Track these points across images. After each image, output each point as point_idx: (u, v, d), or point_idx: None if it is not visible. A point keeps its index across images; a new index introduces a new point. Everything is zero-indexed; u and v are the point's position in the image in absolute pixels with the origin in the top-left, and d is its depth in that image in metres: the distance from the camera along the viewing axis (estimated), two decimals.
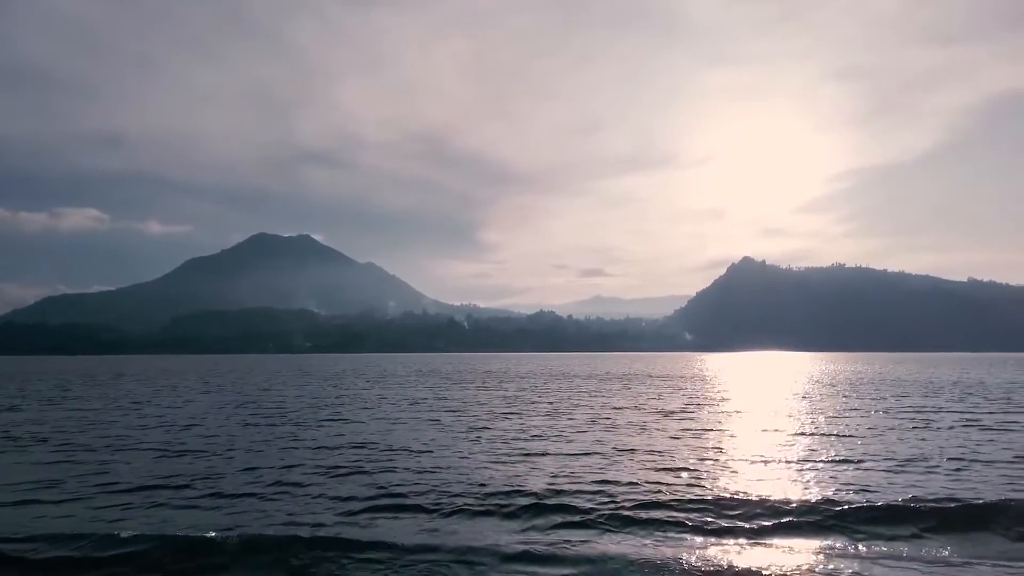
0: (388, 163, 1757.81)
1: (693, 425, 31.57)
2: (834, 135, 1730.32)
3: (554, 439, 26.85)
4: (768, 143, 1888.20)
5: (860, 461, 22.11)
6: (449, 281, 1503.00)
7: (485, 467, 20.53)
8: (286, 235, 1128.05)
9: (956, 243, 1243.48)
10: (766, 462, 21.75)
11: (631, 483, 18.20)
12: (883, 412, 38.43)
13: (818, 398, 49.98)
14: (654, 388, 62.63)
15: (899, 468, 20.84)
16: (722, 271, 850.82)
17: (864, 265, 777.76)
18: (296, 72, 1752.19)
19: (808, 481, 18.70)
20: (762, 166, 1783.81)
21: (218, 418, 35.25)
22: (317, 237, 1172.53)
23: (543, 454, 23.23)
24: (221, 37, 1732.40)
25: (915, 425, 31.98)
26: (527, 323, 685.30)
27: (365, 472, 19.69)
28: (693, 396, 51.55)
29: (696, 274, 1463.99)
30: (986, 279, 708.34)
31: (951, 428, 30.83)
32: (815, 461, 21.90)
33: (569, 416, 36.13)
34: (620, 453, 23.34)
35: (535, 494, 16.70)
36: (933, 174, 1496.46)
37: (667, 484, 18.10)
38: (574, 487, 17.58)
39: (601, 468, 20.46)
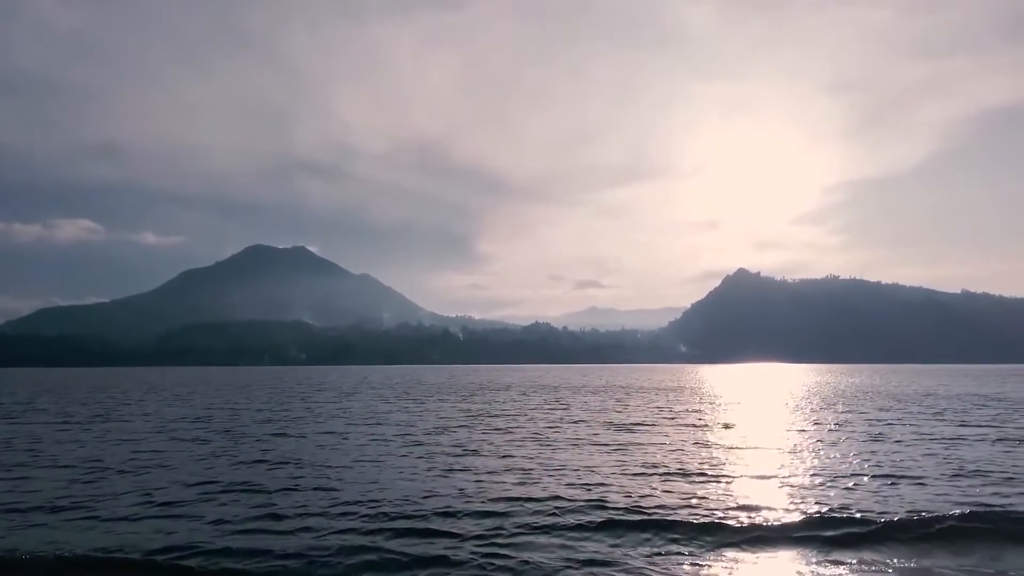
0: (384, 174, 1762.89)
1: (636, 439, 31.19)
2: (827, 147, 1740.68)
3: (483, 455, 26.46)
4: (762, 155, 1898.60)
5: (786, 475, 21.76)
6: (444, 292, 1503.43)
7: (382, 486, 20.11)
8: (281, 246, 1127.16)
9: (949, 255, 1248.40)
10: (686, 475, 21.40)
11: (513, 499, 17.81)
12: (835, 425, 38.07)
13: (782, 410, 49.62)
14: (625, 400, 62.19)
15: (813, 483, 20.49)
16: (717, 282, 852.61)
17: (858, 277, 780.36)
18: (292, 83, 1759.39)
19: (704, 495, 18.33)
20: (756, 178, 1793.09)
21: (159, 434, 34.78)
22: (312, 248, 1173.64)
23: (462, 469, 22.85)
24: (217, 48, 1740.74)
25: (865, 439, 31.63)
26: (522, 335, 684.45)
27: (258, 491, 19.25)
28: (660, 408, 51.17)
29: (691, 285, 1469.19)
30: (979, 291, 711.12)
31: (897, 441, 30.49)
32: (726, 477, 21.52)
33: (512, 431, 35.72)
34: (530, 470, 22.94)
35: (403, 516, 16.28)
36: (926, 186, 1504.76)
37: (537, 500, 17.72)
38: (439, 505, 17.23)
39: (499, 485, 20.06)
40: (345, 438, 32.40)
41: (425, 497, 18.34)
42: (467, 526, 15.34)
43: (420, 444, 30.00)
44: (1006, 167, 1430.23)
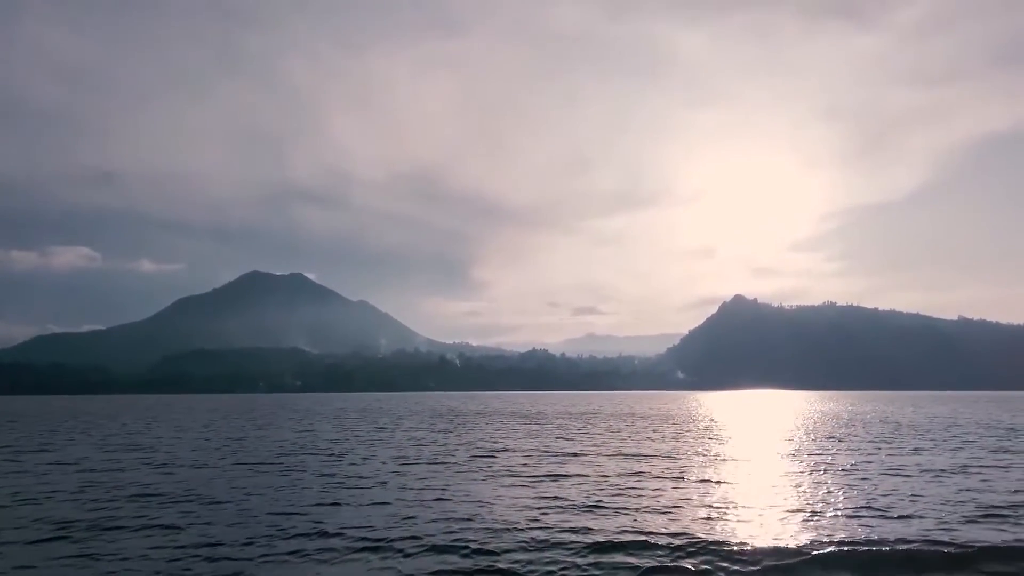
0: (381, 201, 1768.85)
1: (572, 470, 30.98)
2: (822, 174, 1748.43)
3: (398, 488, 26.27)
4: (757, 182, 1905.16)
5: (724, 506, 21.64)
6: (441, 319, 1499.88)
7: (261, 517, 19.95)
8: (279, 273, 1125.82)
9: (946, 282, 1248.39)
10: (593, 507, 21.25)
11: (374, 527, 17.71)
12: (792, 455, 37.88)
13: (749, 438, 49.36)
14: (596, 428, 61.86)
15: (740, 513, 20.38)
16: (714, 309, 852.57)
17: (855, 303, 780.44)
18: (289, 111, 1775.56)
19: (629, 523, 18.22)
20: (752, 204, 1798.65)
21: (86, 464, 34.53)
22: (310, 275, 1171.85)
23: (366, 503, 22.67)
24: (215, 76, 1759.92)
25: (825, 470, 31.45)
26: (519, 361, 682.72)
27: (123, 527, 19.04)
28: (624, 437, 50.86)
29: (688, 312, 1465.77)
30: (976, 317, 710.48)
31: (843, 473, 30.29)
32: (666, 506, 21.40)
33: (458, 457, 35.53)
34: (428, 500, 22.81)
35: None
36: (922, 213, 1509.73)
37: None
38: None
39: (385, 515, 19.98)
40: (271, 468, 32.11)
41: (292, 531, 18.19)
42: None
43: (330, 475, 29.80)
44: (1002, 194, 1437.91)
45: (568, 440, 48.55)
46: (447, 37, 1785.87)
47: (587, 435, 54.11)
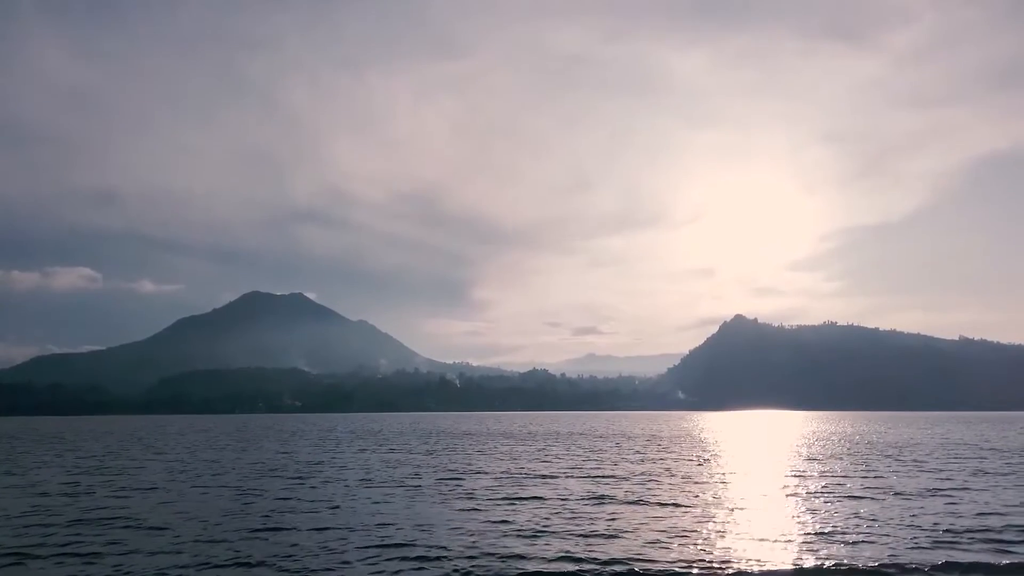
0: (381, 221, 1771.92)
1: (534, 493, 30.47)
2: (822, 194, 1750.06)
3: (347, 513, 25.80)
4: (756, 203, 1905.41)
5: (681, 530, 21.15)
6: (441, 339, 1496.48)
7: (188, 545, 19.50)
8: (279, 293, 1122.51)
9: (946, 302, 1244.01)
10: (536, 532, 20.75)
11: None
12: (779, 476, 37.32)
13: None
14: (579, 449, 61.20)
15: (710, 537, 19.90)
16: (714, 329, 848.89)
17: (855, 323, 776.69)
18: (290, 132, 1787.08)
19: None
20: (751, 225, 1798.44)
21: (44, 487, 34.05)
22: (310, 295, 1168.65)
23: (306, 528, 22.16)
24: (216, 98, 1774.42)
25: (810, 493, 30.90)
26: (519, 382, 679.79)
27: (40, 556, 18.60)
28: (603, 459, 50.22)
29: (689, 332, 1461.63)
30: (977, 338, 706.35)
31: (823, 494, 29.75)
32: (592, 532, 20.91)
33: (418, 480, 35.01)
34: (371, 526, 22.34)
35: None
36: (921, 234, 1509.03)
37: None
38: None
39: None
40: (212, 490, 31.62)
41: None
42: None
43: (263, 497, 29.23)
44: (999, 216, 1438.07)
45: (544, 462, 48.01)
46: (447, 59, 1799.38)
47: (567, 457, 53.52)
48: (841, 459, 50.91)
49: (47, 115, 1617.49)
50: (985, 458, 50.72)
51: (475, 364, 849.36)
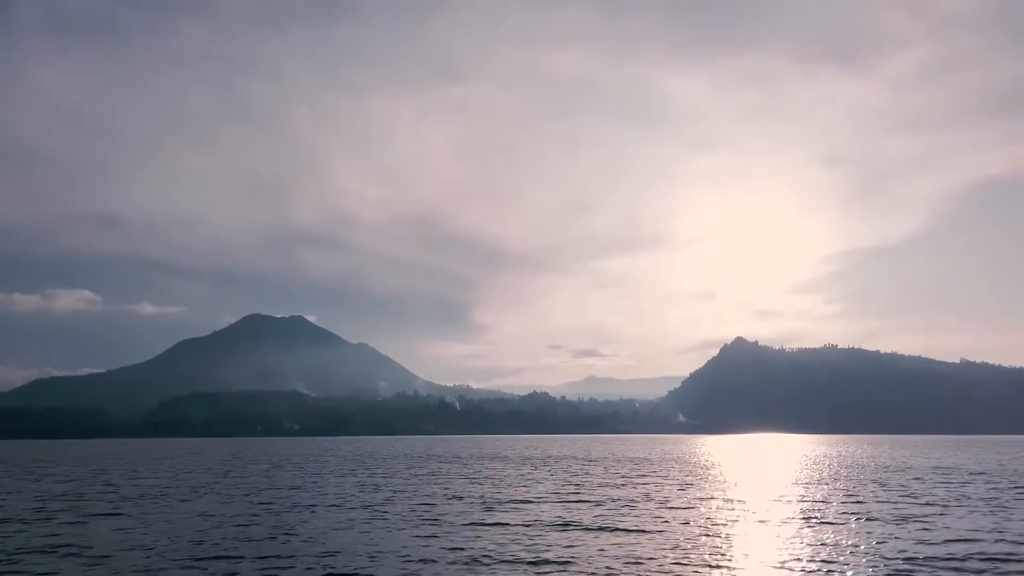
0: (382, 244, 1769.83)
1: (499, 519, 29.98)
2: (822, 217, 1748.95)
3: (302, 540, 25.30)
4: (756, 225, 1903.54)
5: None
6: (442, 362, 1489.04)
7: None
8: (279, 316, 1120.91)
9: (947, 325, 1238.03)
10: (484, 560, 20.31)
11: None
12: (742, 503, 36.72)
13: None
14: (562, 473, 60.51)
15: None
16: (715, 351, 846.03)
17: (856, 346, 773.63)
18: (291, 155, 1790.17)
19: None
20: (751, 248, 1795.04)
21: None
22: (310, 318, 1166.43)
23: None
24: (217, 122, 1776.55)
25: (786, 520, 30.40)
26: (519, 404, 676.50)
27: None
28: (581, 483, 49.60)
29: (690, 355, 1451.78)
30: (978, 360, 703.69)
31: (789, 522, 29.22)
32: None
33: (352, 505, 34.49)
34: (314, 554, 21.89)
35: None
36: (921, 257, 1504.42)
37: None
38: None
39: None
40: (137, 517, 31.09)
41: None
42: None
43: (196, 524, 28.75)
44: (998, 239, 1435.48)
45: (524, 487, 47.45)
46: (448, 84, 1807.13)
47: (549, 481, 52.93)
48: (825, 484, 50.31)
49: (49, 138, 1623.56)
50: (969, 483, 50.07)
51: (475, 387, 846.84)
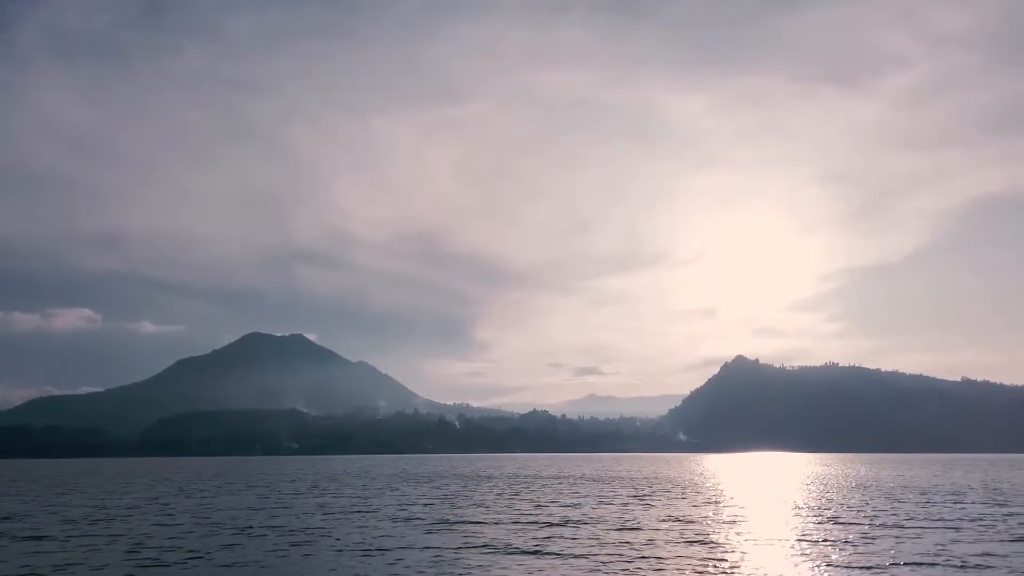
0: (382, 262, 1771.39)
1: (437, 542, 29.37)
2: (822, 235, 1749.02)
3: (220, 564, 24.77)
4: (756, 243, 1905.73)
5: None
6: (442, 380, 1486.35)
7: None
8: (279, 334, 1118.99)
9: (948, 343, 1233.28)
10: None
11: None
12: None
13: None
14: (536, 493, 59.83)
15: None
16: (716, 370, 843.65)
17: (857, 364, 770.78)
18: (292, 174, 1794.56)
19: None
20: (752, 266, 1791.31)
21: None
22: (310, 336, 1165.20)
23: None
24: (217, 141, 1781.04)
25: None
26: (519, 423, 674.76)
27: None
28: (551, 504, 48.92)
29: (690, 373, 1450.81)
30: (980, 379, 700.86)
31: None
32: None
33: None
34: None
35: None
36: (921, 274, 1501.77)
37: None
38: None
39: None
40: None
41: None
42: None
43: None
44: (998, 257, 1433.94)
45: (485, 507, 46.79)
46: (449, 104, 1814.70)
47: (518, 500, 52.23)
48: (792, 505, 49.57)
49: (49, 158, 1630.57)
50: (934, 503, 49.39)
51: (475, 405, 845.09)
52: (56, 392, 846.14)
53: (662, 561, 24.01)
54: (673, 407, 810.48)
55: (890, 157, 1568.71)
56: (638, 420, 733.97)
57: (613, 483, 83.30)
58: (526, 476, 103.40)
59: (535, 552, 26.47)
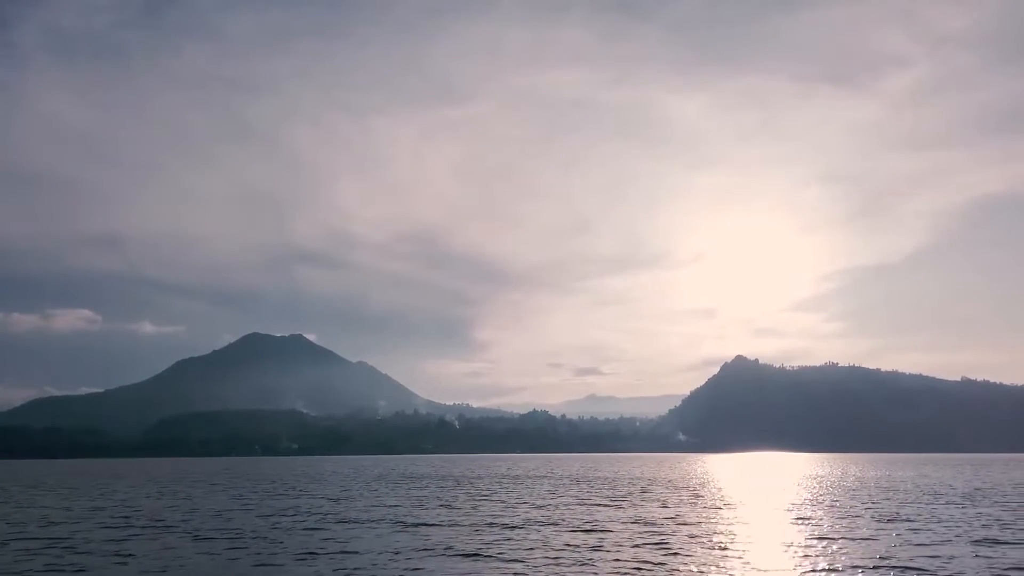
0: (382, 262, 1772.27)
1: (375, 546, 29.08)
2: (822, 235, 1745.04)
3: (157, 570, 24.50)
4: (756, 243, 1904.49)
5: None
6: (442, 380, 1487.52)
7: None
8: (279, 335, 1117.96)
9: (948, 343, 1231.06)
10: None
11: None
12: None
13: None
14: (513, 494, 59.54)
15: None
16: (715, 370, 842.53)
17: (857, 364, 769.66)
18: (292, 174, 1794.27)
19: None
20: (751, 266, 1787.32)
21: None
22: (310, 337, 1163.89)
23: None
24: (218, 142, 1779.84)
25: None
26: (519, 423, 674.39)
27: None
28: (518, 506, 48.60)
29: (690, 373, 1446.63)
30: (980, 379, 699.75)
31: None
32: None
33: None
34: None
35: None
36: (921, 274, 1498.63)
37: None
38: None
39: None
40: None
41: None
42: None
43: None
44: (998, 257, 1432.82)
45: (455, 508, 46.57)
46: (449, 105, 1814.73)
47: (486, 501, 51.93)
48: (766, 505, 49.21)
49: (49, 158, 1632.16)
50: (908, 503, 48.99)
51: (475, 405, 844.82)
52: (56, 393, 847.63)
53: (595, 565, 23.71)
54: (673, 407, 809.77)
55: (890, 157, 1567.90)
56: (638, 420, 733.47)
57: (596, 484, 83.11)
58: (512, 476, 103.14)
59: (473, 555, 26.19)
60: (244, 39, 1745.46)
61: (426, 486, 78.85)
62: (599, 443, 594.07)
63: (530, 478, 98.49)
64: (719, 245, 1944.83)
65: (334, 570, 22.91)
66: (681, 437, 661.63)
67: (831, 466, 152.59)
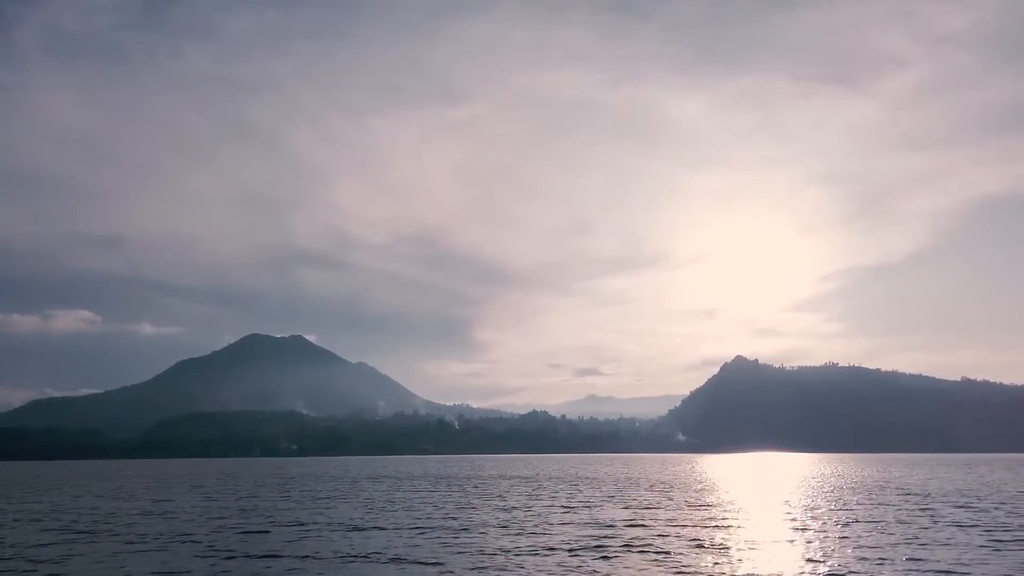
0: (382, 263, 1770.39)
1: (331, 547, 28.57)
2: (822, 235, 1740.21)
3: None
4: (756, 244, 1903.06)
5: None
6: (441, 381, 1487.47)
7: None
8: (279, 336, 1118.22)
9: (948, 343, 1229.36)
10: None
11: None
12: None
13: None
14: (505, 496, 59.14)
15: None
16: (715, 370, 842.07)
17: (857, 364, 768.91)
18: (292, 176, 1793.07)
19: None
20: (751, 266, 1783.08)
21: None
22: (310, 337, 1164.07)
23: None
24: (218, 143, 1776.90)
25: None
26: (519, 424, 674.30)
27: None
28: (495, 508, 48.12)
29: (690, 373, 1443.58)
30: (979, 379, 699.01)
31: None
32: None
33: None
34: None
35: None
36: (921, 274, 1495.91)
37: None
38: None
39: None
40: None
41: None
42: None
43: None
44: (998, 257, 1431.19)
45: (409, 511, 46.13)
46: (449, 105, 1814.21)
47: (450, 504, 51.46)
48: (741, 508, 48.68)
49: (49, 159, 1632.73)
50: (891, 505, 48.46)
51: (475, 406, 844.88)
52: (56, 394, 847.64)
53: (521, 568, 23.22)
54: (672, 407, 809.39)
55: (890, 157, 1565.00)
56: (637, 420, 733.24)
57: (580, 484, 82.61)
58: (498, 477, 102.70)
59: (395, 559, 25.74)
60: (244, 39, 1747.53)
61: (402, 487, 78.40)
62: (599, 443, 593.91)
63: (516, 479, 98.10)
64: (719, 245, 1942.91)
65: (251, 573, 22.43)
66: (681, 437, 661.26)
67: (831, 466, 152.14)
